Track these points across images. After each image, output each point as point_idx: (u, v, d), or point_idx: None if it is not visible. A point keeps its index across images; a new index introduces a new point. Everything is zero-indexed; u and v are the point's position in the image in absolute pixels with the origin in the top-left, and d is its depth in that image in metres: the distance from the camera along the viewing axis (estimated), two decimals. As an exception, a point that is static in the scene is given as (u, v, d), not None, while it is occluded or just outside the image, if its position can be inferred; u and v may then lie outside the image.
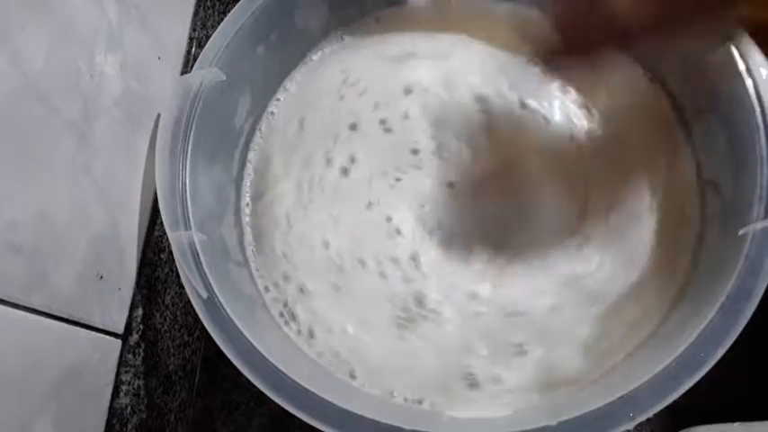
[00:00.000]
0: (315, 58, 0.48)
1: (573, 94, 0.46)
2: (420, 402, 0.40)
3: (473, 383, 0.40)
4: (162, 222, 0.38)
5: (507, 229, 0.44)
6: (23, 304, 0.30)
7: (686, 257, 0.42)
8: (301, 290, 0.43)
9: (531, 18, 0.47)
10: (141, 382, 0.40)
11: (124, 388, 0.38)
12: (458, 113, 0.45)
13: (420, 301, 0.42)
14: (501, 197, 0.44)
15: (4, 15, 0.28)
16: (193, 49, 0.46)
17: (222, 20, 0.42)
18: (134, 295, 0.40)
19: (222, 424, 0.46)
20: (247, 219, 0.45)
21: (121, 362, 0.38)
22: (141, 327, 0.40)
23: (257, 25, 0.42)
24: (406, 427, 0.34)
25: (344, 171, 0.45)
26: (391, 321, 0.42)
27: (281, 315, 0.43)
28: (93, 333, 0.36)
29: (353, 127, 0.46)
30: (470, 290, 0.42)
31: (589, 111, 0.45)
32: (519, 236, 0.43)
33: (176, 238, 0.37)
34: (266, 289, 0.43)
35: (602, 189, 0.44)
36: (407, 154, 0.45)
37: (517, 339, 0.41)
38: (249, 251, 0.44)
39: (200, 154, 0.40)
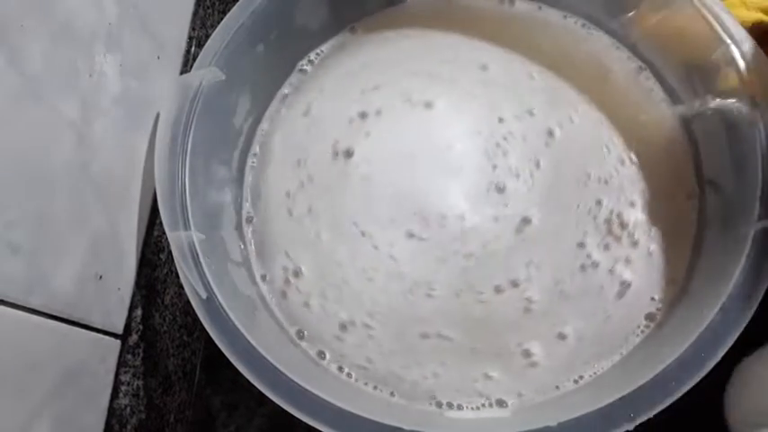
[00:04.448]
0: (315, 57, 0.48)
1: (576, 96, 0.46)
2: (420, 402, 0.40)
3: None
4: (161, 222, 0.38)
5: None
6: (22, 304, 0.30)
7: (686, 257, 0.42)
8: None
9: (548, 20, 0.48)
10: (141, 383, 0.40)
11: (123, 388, 0.38)
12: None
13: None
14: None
15: (2, 15, 0.28)
16: (193, 49, 0.45)
17: (222, 19, 0.42)
18: (133, 295, 0.39)
19: (222, 424, 0.46)
20: (247, 219, 0.45)
21: (121, 362, 0.38)
22: (140, 327, 0.40)
23: (257, 24, 0.42)
24: (405, 427, 0.34)
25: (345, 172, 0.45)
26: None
27: (281, 315, 0.43)
28: (93, 333, 0.35)
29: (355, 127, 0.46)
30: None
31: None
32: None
33: (175, 237, 0.37)
34: (266, 289, 0.43)
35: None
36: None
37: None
38: (248, 251, 0.44)
39: (200, 154, 0.40)
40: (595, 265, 0.42)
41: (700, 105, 0.43)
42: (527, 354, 0.41)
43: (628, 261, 0.42)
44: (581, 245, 0.43)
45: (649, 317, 0.41)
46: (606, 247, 0.42)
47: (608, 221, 0.43)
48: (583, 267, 0.42)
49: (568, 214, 0.43)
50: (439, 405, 0.40)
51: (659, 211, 0.43)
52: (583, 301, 0.41)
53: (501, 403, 0.40)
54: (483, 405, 0.40)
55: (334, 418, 0.34)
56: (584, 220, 0.43)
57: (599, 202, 0.43)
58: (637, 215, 0.43)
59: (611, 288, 0.42)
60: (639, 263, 0.42)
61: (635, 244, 0.42)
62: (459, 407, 0.40)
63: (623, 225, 0.43)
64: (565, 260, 0.42)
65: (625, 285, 0.42)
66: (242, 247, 0.44)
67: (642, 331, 0.41)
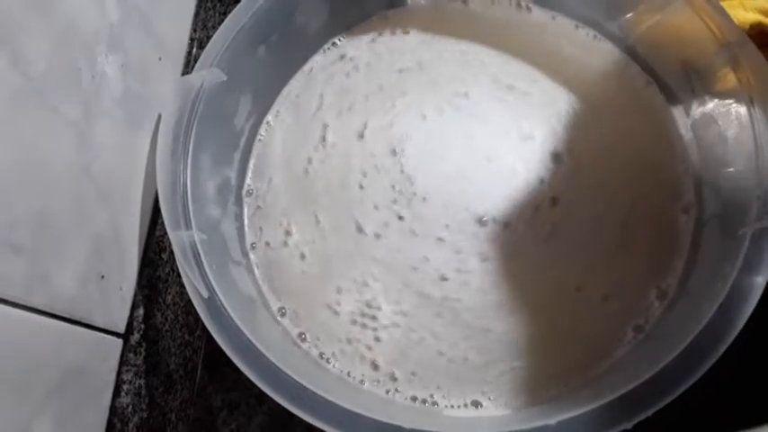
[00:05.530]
0: (316, 59, 0.49)
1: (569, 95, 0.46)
2: (420, 401, 0.40)
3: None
4: (163, 222, 0.39)
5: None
6: (24, 304, 0.30)
7: (685, 257, 0.42)
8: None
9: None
10: (142, 382, 0.40)
11: (125, 387, 0.38)
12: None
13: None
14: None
15: (4, 16, 0.28)
16: (194, 50, 0.46)
17: (223, 20, 0.42)
18: (135, 295, 0.40)
19: (223, 423, 0.47)
20: (248, 218, 0.45)
21: (123, 361, 0.38)
22: (142, 326, 0.40)
23: (258, 26, 0.42)
24: (405, 426, 0.34)
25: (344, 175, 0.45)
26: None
27: (282, 314, 0.43)
28: (95, 332, 0.36)
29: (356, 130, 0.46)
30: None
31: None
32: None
33: (177, 237, 0.37)
34: (266, 288, 0.43)
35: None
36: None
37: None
38: (249, 250, 0.44)
39: (201, 154, 0.40)
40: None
41: (698, 106, 0.43)
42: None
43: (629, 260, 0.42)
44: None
45: (636, 328, 0.41)
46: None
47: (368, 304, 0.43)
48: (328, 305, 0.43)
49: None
50: (441, 405, 0.40)
51: (658, 211, 0.43)
52: None
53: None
54: (480, 404, 0.40)
55: (335, 416, 0.34)
56: None
57: None
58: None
59: None
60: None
61: (377, 339, 0.42)
62: (458, 406, 0.40)
63: (373, 317, 0.42)
64: None
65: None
66: (243, 246, 0.44)
67: (629, 341, 0.41)
